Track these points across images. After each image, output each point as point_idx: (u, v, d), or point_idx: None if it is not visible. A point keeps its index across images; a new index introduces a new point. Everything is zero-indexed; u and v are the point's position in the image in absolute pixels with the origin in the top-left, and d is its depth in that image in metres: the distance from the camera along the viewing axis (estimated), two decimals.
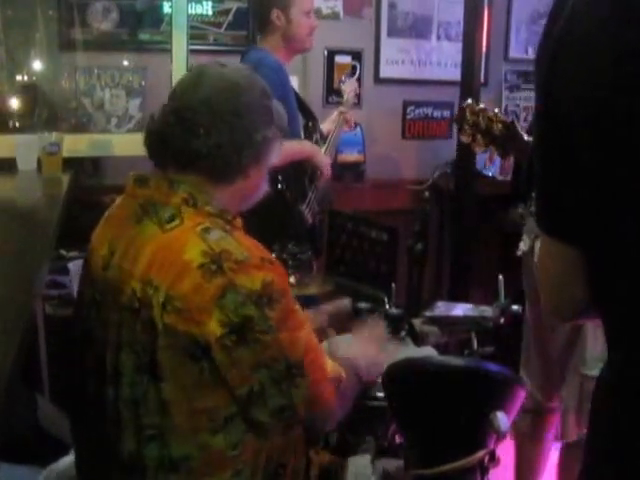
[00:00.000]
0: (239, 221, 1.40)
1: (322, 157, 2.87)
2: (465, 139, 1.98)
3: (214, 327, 1.23)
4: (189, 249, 1.26)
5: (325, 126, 3.10)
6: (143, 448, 1.30)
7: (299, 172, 2.82)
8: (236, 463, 1.33)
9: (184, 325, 1.24)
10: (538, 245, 1.77)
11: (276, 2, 2.82)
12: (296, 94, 3.01)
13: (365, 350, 1.64)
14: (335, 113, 3.13)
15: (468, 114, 1.96)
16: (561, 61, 0.85)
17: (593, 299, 0.92)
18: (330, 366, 1.42)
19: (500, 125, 1.93)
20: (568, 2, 0.86)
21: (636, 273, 0.84)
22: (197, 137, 1.34)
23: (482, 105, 1.99)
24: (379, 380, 1.64)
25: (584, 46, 0.83)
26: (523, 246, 2.07)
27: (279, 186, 2.69)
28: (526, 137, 1.91)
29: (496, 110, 1.98)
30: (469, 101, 2.04)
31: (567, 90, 0.85)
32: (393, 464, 1.65)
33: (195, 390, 1.27)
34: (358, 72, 3.70)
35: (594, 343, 2.01)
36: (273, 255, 1.39)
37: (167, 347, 1.25)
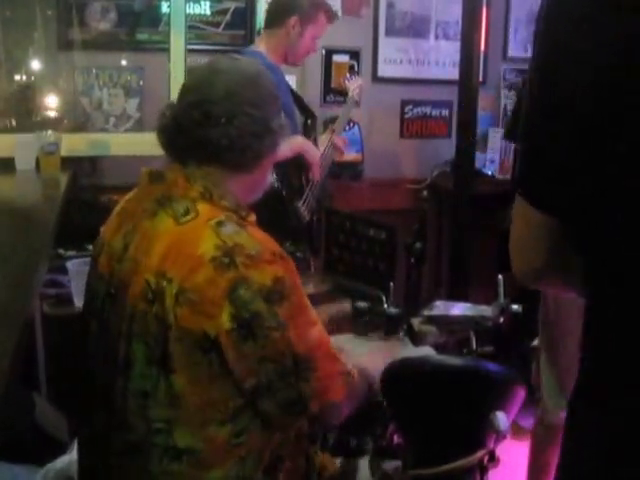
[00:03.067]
0: (253, 216, 1.42)
1: (313, 153, 2.85)
2: None
3: (224, 320, 1.25)
4: (203, 242, 1.28)
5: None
6: (149, 439, 1.31)
7: (296, 169, 2.82)
8: (240, 451, 1.33)
9: (195, 318, 1.25)
10: None
11: (301, 12, 2.84)
12: (294, 92, 3.01)
13: (376, 363, 1.63)
14: (325, 135, 3.11)
15: None
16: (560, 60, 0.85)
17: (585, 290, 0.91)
18: (344, 362, 1.43)
19: None
20: None
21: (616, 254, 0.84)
22: (218, 128, 1.37)
23: None
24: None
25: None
26: None
27: (275, 183, 2.69)
28: None
29: None
30: None
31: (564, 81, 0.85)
32: (391, 464, 1.65)
33: (205, 382, 1.29)
34: (356, 71, 3.70)
35: None
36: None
37: (178, 339, 1.26)
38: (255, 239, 1.32)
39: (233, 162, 1.40)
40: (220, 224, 1.31)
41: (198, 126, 1.37)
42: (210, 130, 1.37)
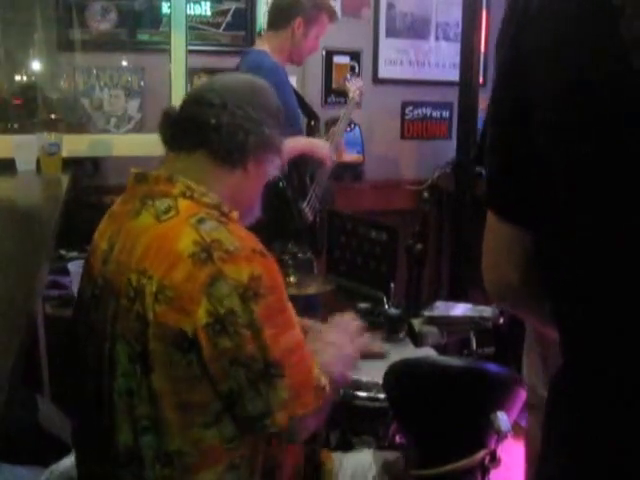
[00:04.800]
0: (235, 214, 1.40)
1: (319, 148, 2.86)
2: None
3: (201, 315, 1.23)
4: (182, 239, 1.27)
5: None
6: (139, 440, 1.30)
7: (300, 170, 2.83)
8: (232, 456, 1.32)
9: (174, 315, 1.24)
10: None
11: (305, 13, 2.86)
12: (298, 94, 3.02)
13: (338, 349, 1.55)
14: (325, 137, 3.11)
15: None
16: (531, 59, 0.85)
17: (551, 303, 0.91)
18: (317, 372, 1.36)
19: None
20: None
21: (588, 268, 0.84)
22: (211, 108, 1.41)
23: None
24: (352, 376, 1.59)
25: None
26: None
27: (280, 184, 2.70)
28: None
29: None
30: None
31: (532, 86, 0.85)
32: (393, 455, 1.65)
33: (184, 383, 1.27)
34: (357, 72, 3.70)
35: None
36: (270, 252, 1.38)
37: (157, 337, 1.25)
38: (235, 236, 1.31)
39: (216, 147, 1.41)
40: (200, 221, 1.30)
41: (193, 107, 1.44)
42: (202, 109, 1.42)
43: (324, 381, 1.37)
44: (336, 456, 1.64)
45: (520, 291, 0.95)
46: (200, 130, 1.42)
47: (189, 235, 1.28)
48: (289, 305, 1.35)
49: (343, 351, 1.55)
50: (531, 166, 0.86)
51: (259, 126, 1.43)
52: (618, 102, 0.77)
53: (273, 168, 1.51)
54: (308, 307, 2.74)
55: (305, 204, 2.83)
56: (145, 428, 1.29)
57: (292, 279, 2.18)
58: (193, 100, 1.46)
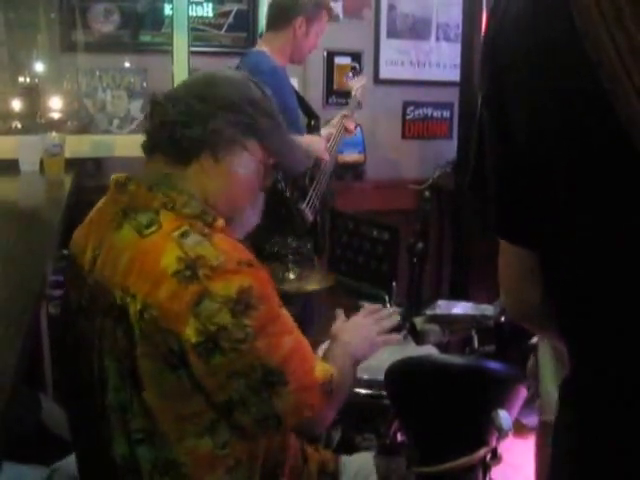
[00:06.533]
0: (221, 222, 1.35)
1: (315, 145, 2.85)
2: None
3: (190, 335, 1.20)
4: (165, 256, 1.24)
5: (326, 130, 3.10)
6: (134, 451, 1.28)
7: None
8: (227, 460, 1.31)
9: (160, 333, 1.21)
10: None
11: (307, 12, 2.85)
12: (298, 94, 3.02)
13: (360, 331, 1.60)
14: (337, 117, 3.13)
15: None
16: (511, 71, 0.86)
17: (555, 314, 0.91)
18: (320, 370, 1.37)
19: None
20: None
21: (594, 285, 0.84)
22: (157, 106, 1.39)
23: None
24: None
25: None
26: None
27: (279, 185, 2.70)
28: None
29: None
30: None
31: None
32: (395, 460, 1.66)
33: (176, 397, 1.25)
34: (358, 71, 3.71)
35: None
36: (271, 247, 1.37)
37: (145, 355, 1.23)
38: (219, 249, 1.26)
39: (164, 146, 1.38)
40: (183, 235, 1.26)
41: (151, 110, 1.42)
42: (165, 110, 1.38)
43: (330, 370, 1.38)
44: (338, 458, 1.64)
45: (542, 309, 0.94)
46: (153, 133, 1.40)
47: (172, 251, 1.24)
48: (283, 311, 1.33)
49: (368, 334, 1.58)
50: (531, 176, 0.86)
51: (204, 118, 1.36)
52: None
53: (244, 162, 1.40)
54: (307, 304, 2.75)
55: (305, 205, 2.84)
56: (140, 440, 1.28)
57: (292, 275, 2.18)
58: (161, 100, 1.42)
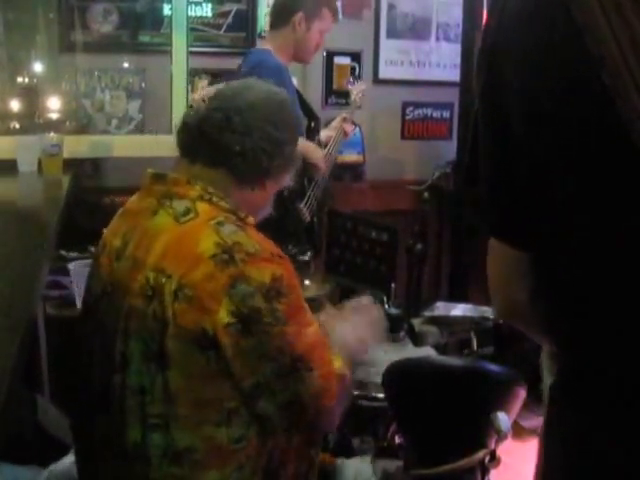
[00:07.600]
0: (251, 219, 1.43)
1: (314, 152, 2.86)
2: None
3: (222, 315, 1.26)
4: (203, 240, 1.30)
5: (325, 133, 3.10)
6: (147, 438, 1.31)
7: (297, 171, 2.82)
8: (239, 457, 1.34)
9: (194, 313, 1.26)
10: None
11: (306, 8, 2.85)
12: (299, 94, 3.02)
13: (356, 330, 1.62)
14: (337, 120, 3.13)
15: None
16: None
17: (545, 309, 0.91)
18: (338, 363, 1.43)
19: None
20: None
21: (586, 282, 0.84)
22: (235, 135, 1.42)
23: None
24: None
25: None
26: None
27: None
28: None
29: None
30: None
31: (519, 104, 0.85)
32: (393, 464, 1.66)
33: (201, 380, 1.29)
34: (357, 73, 3.71)
35: None
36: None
37: (176, 336, 1.27)
38: (254, 239, 1.35)
39: (239, 171, 1.43)
40: (220, 224, 1.34)
41: (217, 129, 1.42)
42: (226, 135, 1.41)
43: (344, 369, 1.43)
44: (334, 460, 1.65)
45: (531, 309, 0.94)
46: (223, 153, 1.43)
47: (210, 237, 1.31)
48: (306, 304, 1.40)
49: (361, 334, 1.60)
50: (527, 176, 0.85)
51: (281, 147, 1.46)
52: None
53: (288, 180, 1.56)
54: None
55: (303, 204, 2.84)
56: (154, 425, 1.31)
57: None
58: (217, 121, 1.43)
